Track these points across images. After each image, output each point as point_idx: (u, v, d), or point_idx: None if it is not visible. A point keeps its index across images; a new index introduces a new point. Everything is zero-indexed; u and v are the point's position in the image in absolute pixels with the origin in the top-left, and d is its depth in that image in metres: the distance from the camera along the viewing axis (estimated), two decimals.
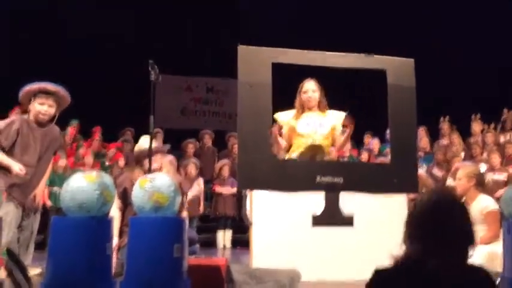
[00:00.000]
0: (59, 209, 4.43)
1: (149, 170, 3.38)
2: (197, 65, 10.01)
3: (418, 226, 1.61)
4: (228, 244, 7.35)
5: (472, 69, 8.91)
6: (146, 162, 3.53)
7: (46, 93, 3.71)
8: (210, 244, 7.44)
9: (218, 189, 7.49)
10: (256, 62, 3.58)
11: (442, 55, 8.99)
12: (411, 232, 1.62)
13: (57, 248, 2.46)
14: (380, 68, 3.75)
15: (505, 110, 7.86)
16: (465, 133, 8.00)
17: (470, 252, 1.59)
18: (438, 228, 1.57)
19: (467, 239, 1.60)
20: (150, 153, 3.45)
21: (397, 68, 3.74)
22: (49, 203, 6.34)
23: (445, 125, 8.08)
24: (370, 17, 9.18)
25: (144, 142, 3.96)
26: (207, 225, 7.83)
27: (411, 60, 3.79)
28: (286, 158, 3.93)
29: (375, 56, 3.78)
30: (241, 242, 6.66)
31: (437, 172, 7.17)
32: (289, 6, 9.65)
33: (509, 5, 8.81)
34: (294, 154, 3.91)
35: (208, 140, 8.44)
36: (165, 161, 3.95)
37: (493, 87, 8.64)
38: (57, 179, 6.31)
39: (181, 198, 3.52)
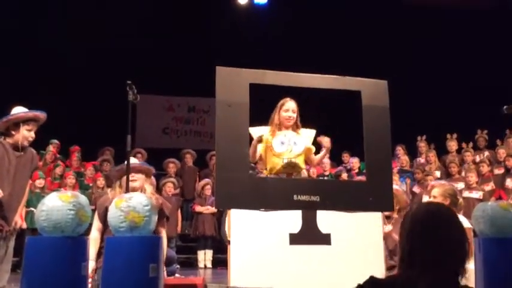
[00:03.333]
0: (35, 229, 4.38)
1: (127, 190, 3.39)
2: (179, 85, 10.07)
3: (413, 243, 1.59)
4: (209, 264, 7.31)
5: (447, 89, 9.15)
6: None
7: (36, 120, 3.75)
8: (190, 264, 7.39)
9: (198, 208, 7.49)
10: (234, 82, 3.63)
11: (417, 75, 9.21)
12: (406, 248, 1.60)
13: (31, 268, 2.44)
14: (355, 89, 3.84)
15: (479, 130, 8.08)
16: (442, 152, 8.17)
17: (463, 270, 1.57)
18: (434, 245, 1.55)
19: (461, 258, 1.57)
20: (128, 172, 3.46)
21: (371, 89, 3.84)
22: (25, 225, 6.21)
23: (422, 144, 8.24)
24: (346, 39, 9.38)
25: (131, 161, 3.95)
26: (188, 245, 7.79)
27: (384, 82, 3.89)
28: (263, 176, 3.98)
29: (350, 77, 3.88)
30: (222, 262, 6.63)
31: (418, 190, 7.30)
32: (268, 28, 9.82)
33: (479, 27, 9.12)
34: (269, 175, 3.96)
35: (189, 160, 8.45)
36: (146, 181, 3.90)
37: (468, 106, 8.86)
38: (34, 199, 6.21)
39: (161, 218, 3.54)
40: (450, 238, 1.57)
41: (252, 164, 4.99)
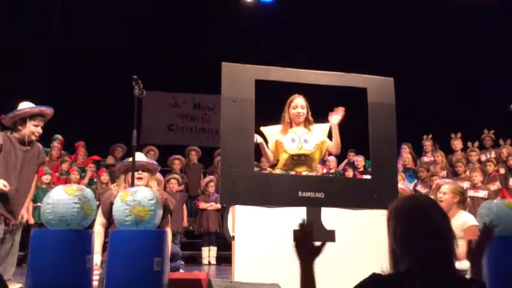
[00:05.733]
0: (42, 225, 4.40)
1: (132, 184, 3.40)
2: (184, 82, 10.08)
3: (401, 238, 1.59)
4: (213, 261, 7.32)
5: (454, 89, 9.11)
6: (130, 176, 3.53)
7: (42, 116, 3.77)
8: (194, 260, 7.41)
9: (202, 205, 7.51)
10: (239, 78, 3.63)
11: (424, 74, 9.18)
12: (395, 247, 1.60)
13: (37, 260, 2.46)
14: (361, 87, 3.83)
15: (485, 130, 8.04)
16: (447, 151, 8.13)
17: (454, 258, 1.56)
18: (420, 242, 1.54)
19: (449, 245, 1.56)
20: (133, 167, 3.47)
21: (377, 87, 3.82)
22: (32, 220, 6.21)
23: (427, 143, 8.21)
24: (353, 36, 9.35)
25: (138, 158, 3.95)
26: (192, 241, 7.81)
27: (391, 79, 3.88)
28: (271, 172, 3.98)
29: (356, 74, 3.87)
30: (226, 258, 6.64)
31: (421, 189, 7.27)
32: (274, 26, 9.81)
33: (485, 30, 9.08)
34: (278, 170, 3.97)
35: (194, 156, 8.47)
36: (152, 179, 3.89)
37: (474, 107, 8.82)
38: (41, 195, 6.23)
39: (165, 214, 3.54)
40: (435, 230, 1.56)
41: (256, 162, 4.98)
